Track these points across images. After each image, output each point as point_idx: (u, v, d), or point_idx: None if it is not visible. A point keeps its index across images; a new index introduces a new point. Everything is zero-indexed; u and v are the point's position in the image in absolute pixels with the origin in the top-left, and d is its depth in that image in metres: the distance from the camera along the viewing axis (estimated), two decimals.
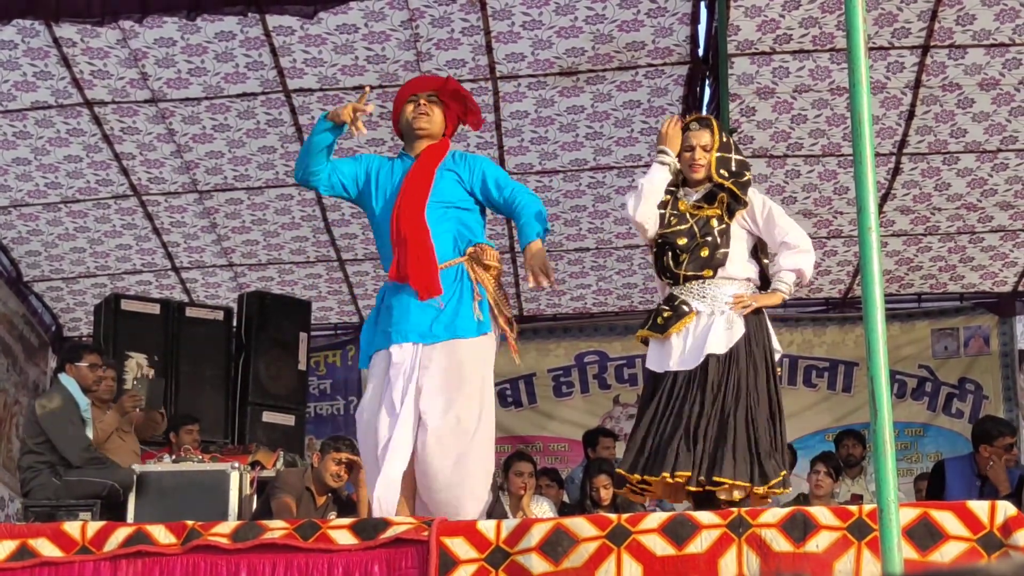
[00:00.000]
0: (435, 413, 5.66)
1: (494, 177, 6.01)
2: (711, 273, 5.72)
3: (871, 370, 4.29)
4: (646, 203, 5.79)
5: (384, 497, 5.70)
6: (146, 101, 9.00)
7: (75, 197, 9.99)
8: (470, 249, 5.88)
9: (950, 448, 11.00)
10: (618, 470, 5.76)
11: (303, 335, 10.24)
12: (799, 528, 4.84)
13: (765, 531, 4.85)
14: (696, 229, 5.74)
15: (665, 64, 8.76)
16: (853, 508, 4.93)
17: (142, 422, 8.47)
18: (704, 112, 9.08)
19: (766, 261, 5.92)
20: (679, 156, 5.89)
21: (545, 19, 8.34)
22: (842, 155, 9.50)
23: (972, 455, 8.42)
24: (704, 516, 4.97)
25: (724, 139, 5.91)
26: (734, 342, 5.61)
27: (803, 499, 8.96)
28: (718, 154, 5.80)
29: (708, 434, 5.50)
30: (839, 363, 11.62)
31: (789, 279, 5.75)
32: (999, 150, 9.52)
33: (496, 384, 12.34)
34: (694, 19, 8.45)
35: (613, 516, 5.00)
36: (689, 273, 5.73)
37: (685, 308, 5.69)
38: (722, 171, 5.78)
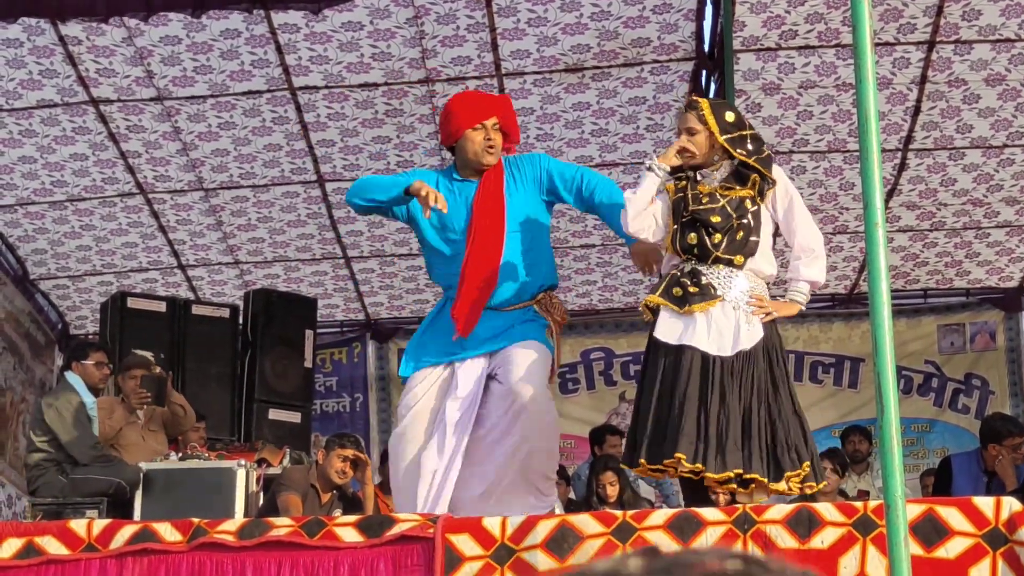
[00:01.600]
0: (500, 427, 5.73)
1: (559, 172, 5.98)
2: (742, 261, 5.50)
3: (877, 366, 4.28)
4: (636, 215, 5.56)
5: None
6: (152, 99, 9.00)
7: (81, 195, 10.00)
8: (540, 296, 5.90)
9: (956, 444, 10.99)
10: (680, 456, 5.30)
11: (309, 332, 10.24)
12: (804, 524, 4.84)
13: (770, 527, 4.85)
14: (730, 209, 5.50)
15: (671, 60, 8.76)
16: (858, 504, 4.93)
17: (169, 419, 8.47)
18: None
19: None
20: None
21: (550, 16, 8.34)
22: (848, 151, 9.49)
23: (979, 451, 8.42)
24: (709, 513, 4.97)
25: (729, 118, 5.63)
26: (757, 340, 5.45)
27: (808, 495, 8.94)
28: (726, 136, 5.54)
29: (760, 431, 5.34)
30: (845, 359, 11.61)
31: (806, 289, 5.62)
32: (1005, 145, 9.51)
33: None
34: (699, 15, 8.44)
35: (619, 513, 5.00)
36: (722, 255, 5.48)
37: (712, 290, 5.44)
38: (739, 150, 5.54)
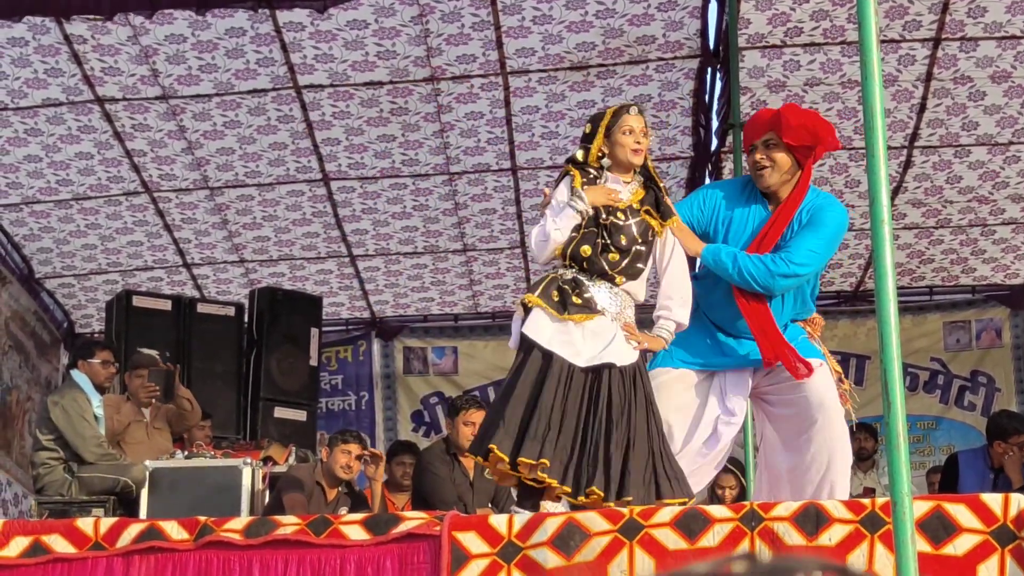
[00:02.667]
0: None
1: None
2: (622, 281, 5.45)
3: (884, 363, 4.28)
4: (551, 252, 5.48)
5: None
6: (157, 98, 9.00)
7: (86, 194, 10.00)
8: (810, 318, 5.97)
9: (963, 441, 10.98)
10: (494, 447, 5.20)
11: (314, 331, 10.25)
12: (812, 521, 4.84)
13: (778, 524, 4.85)
14: (636, 233, 5.48)
15: (676, 58, 8.75)
16: (866, 501, 4.92)
17: (175, 415, 8.48)
18: (715, 106, 9.08)
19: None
20: (613, 141, 5.53)
21: (555, 14, 8.33)
22: (853, 148, 9.48)
23: (985, 448, 8.41)
24: (716, 510, 4.97)
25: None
26: (633, 359, 5.38)
27: None
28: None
29: (603, 446, 5.21)
30: (851, 356, 11.60)
31: (673, 328, 5.56)
32: (1011, 143, 9.50)
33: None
34: (704, 12, 8.43)
35: (625, 510, 4.99)
36: (609, 273, 5.44)
37: (595, 304, 5.39)
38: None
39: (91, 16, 8.05)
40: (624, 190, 5.54)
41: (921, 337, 11.52)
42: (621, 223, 5.46)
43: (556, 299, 5.38)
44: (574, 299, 5.36)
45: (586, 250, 5.44)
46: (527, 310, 5.42)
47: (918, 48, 8.65)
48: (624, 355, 5.35)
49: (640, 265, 5.50)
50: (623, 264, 5.46)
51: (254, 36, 8.44)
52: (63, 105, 9.03)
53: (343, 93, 8.96)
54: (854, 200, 10.08)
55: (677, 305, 5.56)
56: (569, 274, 5.45)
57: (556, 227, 5.45)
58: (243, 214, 10.32)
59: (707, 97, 9.05)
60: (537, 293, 5.41)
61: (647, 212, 5.53)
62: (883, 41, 8.31)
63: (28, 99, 8.94)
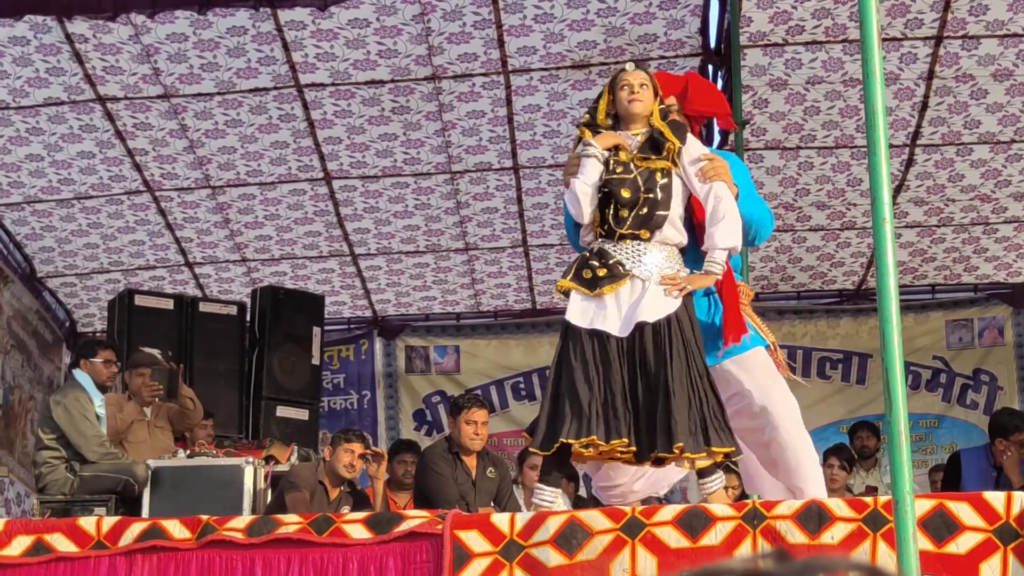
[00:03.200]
0: None
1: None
2: (648, 235, 5.46)
3: (886, 361, 4.28)
4: (588, 203, 5.52)
5: None
6: (158, 97, 9.01)
7: (88, 193, 10.00)
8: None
9: (965, 440, 10.98)
10: (568, 440, 5.24)
11: (316, 329, 10.25)
12: (814, 520, 4.84)
13: (780, 523, 4.85)
14: (640, 182, 5.47)
15: (677, 56, 8.74)
16: (868, 500, 4.93)
17: (177, 413, 8.48)
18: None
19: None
20: (616, 98, 5.63)
21: (557, 12, 8.33)
22: (855, 146, 9.48)
23: (988, 446, 8.41)
24: (718, 508, 4.96)
25: (666, 102, 5.71)
26: (670, 311, 5.36)
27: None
28: (661, 106, 5.61)
29: (649, 403, 5.24)
30: (853, 355, 11.60)
31: (721, 258, 5.51)
32: (1013, 141, 9.49)
33: (510, 378, 12.35)
34: (706, 11, 8.43)
35: (627, 509, 4.99)
36: (626, 232, 5.46)
37: (620, 269, 5.42)
38: (664, 108, 5.61)
39: (93, 15, 8.06)
40: (633, 142, 5.57)
41: (923, 335, 11.51)
42: (621, 177, 5.48)
43: (587, 277, 5.44)
44: (599, 271, 5.41)
45: (606, 214, 5.49)
46: (566, 294, 5.51)
47: (920, 46, 8.64)
48: (655, 310, 5.34)
49: (661, 212, 5.47)
50: (639, 217, 5.46)
51: (255, 35, 8.44)
52: (65, 104, 9.03)
53: (344, 92, 8.96)
54: (856, 198, 10.09)
55: (720, 230, 5.48)
56: (596, 245, 5.52)
57: (579, 178, 5.52)
58: (245, 213, 10.32)
59: None
60: (569, 277, 5.49)
61: (643, 158, 5.52)
62: (885, 39, 8.30)
63: (30, 98, 8.94)
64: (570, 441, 5.21)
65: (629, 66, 5.72)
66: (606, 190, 5.48)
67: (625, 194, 5.45)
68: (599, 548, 4.87)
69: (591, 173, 5.51)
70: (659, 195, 5.48)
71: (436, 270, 11.19)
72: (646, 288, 5.39)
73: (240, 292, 11.08)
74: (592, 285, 5.41)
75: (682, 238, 5.57)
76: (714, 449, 5.17)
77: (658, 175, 5.49)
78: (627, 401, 5.28)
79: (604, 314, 5.37)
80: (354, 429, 8.36)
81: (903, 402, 4.24)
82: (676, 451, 5.12)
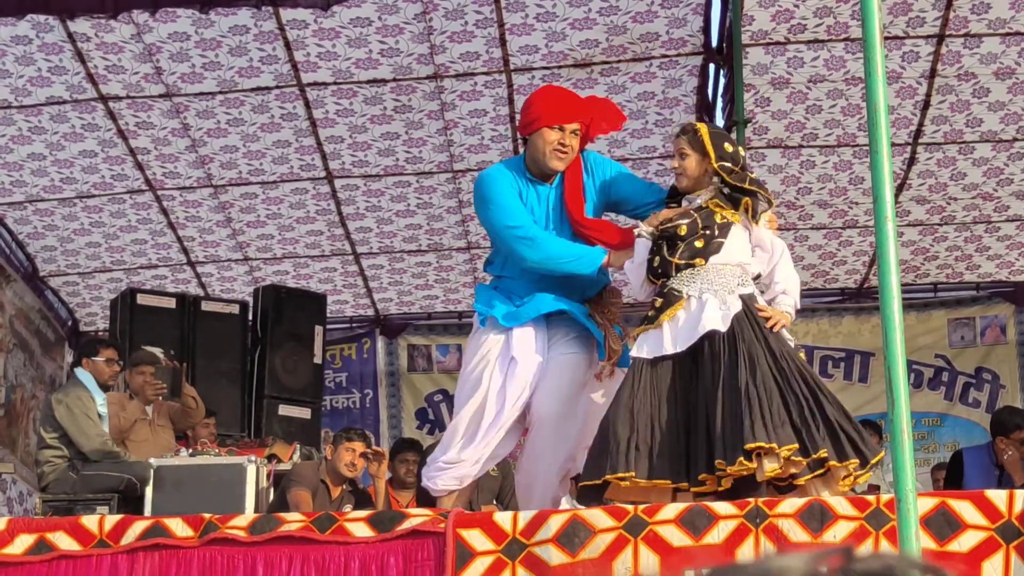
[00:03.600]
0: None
1: (627, 176, 6.05)
2: (703, 261, 5.55)
3: (888, 360, 4.28)
4: (641, 280, 5.69)
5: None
6: (160, 96, 9.01)
7: (90, 192, 10.00)
8: (601, 292, 5.98)
9: (967, 438, 10.97)
10: (624, 475, 5.23)
11: (319, 328, 10.26)
12: (816, 518, 4.84)
13: (782, 521, 4.85)
14: (699, 221, 5.59)
15: (679, 55, 8.74)
16: (871, 498, 4.93)
17: (178, 412, 8.49)
18: (719, 103, 9.07)
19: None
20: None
21: (559, 11, 8.33)
22: (857, 145, 9.48)
23: (990, 444, 8.40)
24: (721, 507, 4.96)
25: (727, 148, 5.69)
26: (732, 317, 5.41)
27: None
28: (720, 163, 5.62)
29: (726, 412, 5.23)
30: (855, 353, 11.60)
31: (789, 303, 5.68)
32: (1015, 139, 9.49)
33: None
34: (708, 9, 8.42)
35: (630, 507, 4.99)
36: (681, 262, 5.55)
37: (676, 294, 5.51)
38: (730, 177, 5.63)
39: (94, 14, 8.06)
40: (694, 202, 5.70)
41: (925, 334, 11.51)
42: (678, 222, 5.62)
43: (651, 315, 5.58)
44: (657, 303, 5.56)
45: (656, 260, 5.63)
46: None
47: (922, 44, 8.64)
48: (714, 320, 5.41)
49: (720, 239, 5.58)
50: (690, 248, 5.56)
51: (257, 34, 8.44)
52: (67, 103, 9.03)
53: (346, 91, 8.96)
54: (858, 197, 10.08)
55: (788, 296, 5.69)
56: (657, 289, 5.67)
57: (632, 262, 5.71)
58: (247, 212, 10.32)
59: (711, 94, 9.05)
60: (636, 331, 5.62)
61: (716, 204, 5.64)
62: (887, 38, 8.30)
63: (32, 97, 8.94)
64: (609, 478, 5.26)
65: (678, 130, 5.81)
66: (660, 238, 5.64)
67: (682, 231, 5.58)
68: (601, 546, 4.88)
69: (639, 252, 5.68)
70: (715, 231, 5.59)
71: (438, 269, 11.19)
72: (704, 301, 5.47)
73: (242, 291, 11.08)
74: (653, 320, 5.54)
75: (746, 256, 5.66)
76: (760, 444, 5.12)
77: (717, 216, 5.62)
78: (677, 432, 5.31)
79: (662, 338, 5.49)
80: (355, 428, 8.36)
81: (905, 401, 4.24)
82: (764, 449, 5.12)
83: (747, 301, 5.50)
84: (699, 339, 5.39)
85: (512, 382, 5.65)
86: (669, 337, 5.45)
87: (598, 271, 5.80)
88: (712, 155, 5.62)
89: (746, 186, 5.63)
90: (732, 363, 5.31)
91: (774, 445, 5.09)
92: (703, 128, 5.74)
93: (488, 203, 5.86)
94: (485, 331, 5.81)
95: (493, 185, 5.89)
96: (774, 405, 5.21)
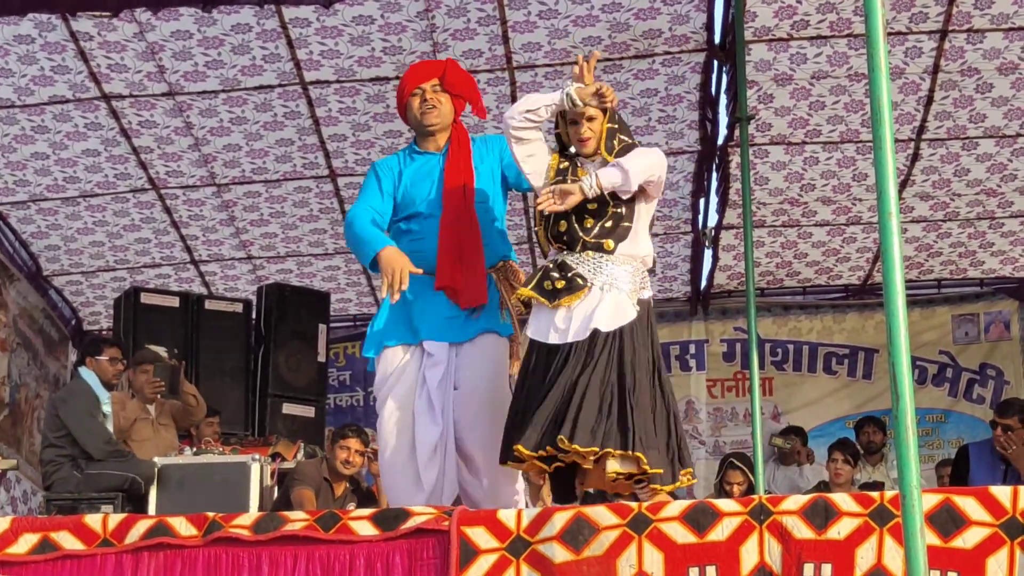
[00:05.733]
0: (468, 417, 5.72)
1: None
2: (611, 246, 5.43)
3: (892, 356, 4.27)
4: (529, 120, 5.52)
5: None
6: (163, 94, 9.01)
7: (93, 191, 10.01)
8: (500, 264, 5.90)
9: (971, 434, 10.97)
10: (520, 448, 5.27)
11: (322, 327, 10.27)
12: (821, 515, 4.83)
13: (786, 518, 4.84)
14: (606, 194, 5.42)
15: (682, 52, 8.74)
16: (875, 494, 4.92)
17: (180, 411, 8.50)
18: (723, 100, 9.06)
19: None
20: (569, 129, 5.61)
21: (561, 8, 8.32)
22: (860, 141, 9.47)
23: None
24: (725, 504, 4.96)
25: (617, 119, 5.62)
26: (623, 324, 5.35)
27: (824, 487, 8.96)
28: (609, 125, 5.53)
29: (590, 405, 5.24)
30: (859, 350, 11.60)
31: (591, 182, 5.40)
32: (1019, 135, 9.48)
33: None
34: (710, 6, 8.42)
35: (634, 504, 4.99)
36: (591, 240, 5.44)
37: (580, 281, 5.41)
38: (611, 143, 5.52)
39: (97, 13, 8.06)
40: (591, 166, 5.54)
41: (929, 330, 11.51)
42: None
43: (548, 288, 5.45)
44: (558, 283, 5.43)
45: (563, 225, 5.50)
46: (527, 305, 5.55)
47: (925, 40, 8.63)
48: (605, 320, 5.34)
49: (625, 224, 5.47)
50: (600, 228, 5.45)
51: (260, 32, 8.44)
52: (70, 102, 9.04)
53: (349, 89, 8.96)
54: (861, 193, 10.08)
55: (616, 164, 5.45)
56: (559, 257, 5.53)
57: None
58: (250, 211, 10.33)
59: (713, 91, 9.04)
60: (532, 286, 5.50)
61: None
62: (890, 33, 8.30)
63: (35, 96, 8.95)
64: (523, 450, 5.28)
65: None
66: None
67: (591, 206, 5.44)
68: (606, 544, 4.87)
69: (550, 97, 5.58)
70: (623, 209, 5.47)
71: None
72: (603, 296, 5.40)
73: (246, 290, 11.09)
74: (552, 297, 5.44)
75: (646, 251, 5.55)
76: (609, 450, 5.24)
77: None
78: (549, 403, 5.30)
79: (553, 325, 5.42)
80: (351, 425, 8.35)
81: (910, 397, 4.23)
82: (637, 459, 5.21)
83: (642, 313, 5.43)
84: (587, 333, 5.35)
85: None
86: (561, 327, 5.39)
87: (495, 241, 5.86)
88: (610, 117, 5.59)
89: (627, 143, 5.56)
90: (608, 365, 5.30)
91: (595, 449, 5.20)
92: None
93: None
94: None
95: (367, 175, 6.08)
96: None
